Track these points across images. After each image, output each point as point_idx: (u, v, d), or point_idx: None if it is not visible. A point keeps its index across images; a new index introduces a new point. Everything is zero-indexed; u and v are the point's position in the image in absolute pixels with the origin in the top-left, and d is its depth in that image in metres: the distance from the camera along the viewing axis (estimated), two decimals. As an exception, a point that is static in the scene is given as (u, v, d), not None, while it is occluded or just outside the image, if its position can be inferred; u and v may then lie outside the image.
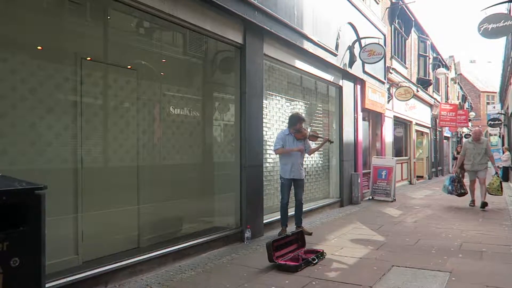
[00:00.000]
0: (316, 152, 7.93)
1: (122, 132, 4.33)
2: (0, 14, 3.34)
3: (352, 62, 9.11)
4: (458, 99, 28.75)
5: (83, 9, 4.16)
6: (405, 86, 13.33)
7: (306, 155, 6.16)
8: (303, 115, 6.52)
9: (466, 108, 30.98)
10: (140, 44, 4.77)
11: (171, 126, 4.97)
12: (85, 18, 4.20)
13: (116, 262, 3.79)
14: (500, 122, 24.67)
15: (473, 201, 8.82)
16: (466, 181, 9.17)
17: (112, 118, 4.25)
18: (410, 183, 15.61)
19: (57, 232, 3.50)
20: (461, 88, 32.65)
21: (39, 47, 3.66)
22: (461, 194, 8.94)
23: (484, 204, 8.30)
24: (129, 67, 4.51)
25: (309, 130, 6.66)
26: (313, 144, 6.32)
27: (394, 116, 13.67)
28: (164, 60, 5.06)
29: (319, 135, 6.32)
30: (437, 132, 21.15)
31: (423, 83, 17.10)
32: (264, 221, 5.98)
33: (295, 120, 5.79)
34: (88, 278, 3.49)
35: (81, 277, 3.44)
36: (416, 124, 16.72)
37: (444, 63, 21.41)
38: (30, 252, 1.91)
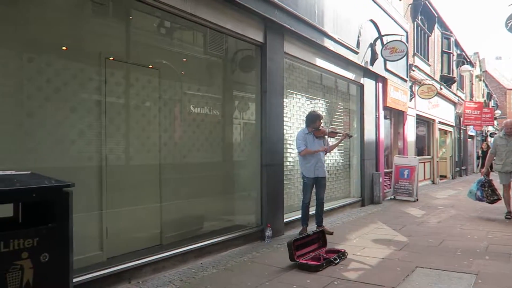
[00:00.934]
0: (336, 151, 7.87)
1: (144, 130, 4.39)
2: (26, 15, 3.43)
3: (373, 59, 8.98)
4: (483, 97, 27.98)
5: (106, 10, 4.24)
6: (428, 84, 13.04)
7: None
8: (323, 113, 6.45)
9: (492, 106, 30.14)
10: (161, 43, 4.82)
11: (192, 124, 5.00)
12: (108, 18, 4.27)
13: (139, 259, 3.85)
14: (527, 120, 23.86)
15: (509, 213, 7.15)
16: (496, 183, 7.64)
17: (135, 117, 4.31)
18: (433, 182, 15.28)
19: (83, 228, 3.58)
20: (486, 85, 31.77)
21: (64, 48, 3.74)
22: (493, 201, 7.41)
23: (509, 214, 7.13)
24: (150, 66, 4.56)
25: (327, 127, 6.57)
26: (332, 141, 6.23)
27: (417, 114, 13.39)
28: (185, 59, 5.09)
29: (338, 131, 6.21)
30: (461, 131, 20.63)
31: (447, 80, 16.70)
32: (285, 220, 5.96)
33: (313, 118, 5.73)
34: (112, 274, 3.56)
35: (105, 273, 3.51)
36: (439, 122, 16.35)
37: (468, 60, 20.85)
38: (59, 248, 1.96)
